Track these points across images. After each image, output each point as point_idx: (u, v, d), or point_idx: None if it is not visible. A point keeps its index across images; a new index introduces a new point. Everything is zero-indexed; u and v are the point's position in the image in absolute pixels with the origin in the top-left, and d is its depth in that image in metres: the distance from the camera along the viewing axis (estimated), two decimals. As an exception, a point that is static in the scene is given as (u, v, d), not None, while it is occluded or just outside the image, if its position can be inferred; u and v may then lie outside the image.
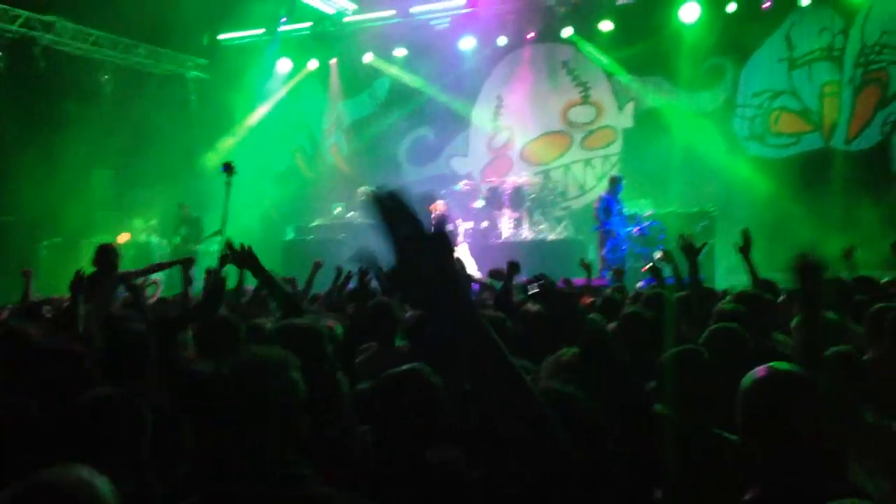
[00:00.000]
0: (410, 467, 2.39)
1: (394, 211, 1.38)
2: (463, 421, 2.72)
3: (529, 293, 3.88)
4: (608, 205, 12.19)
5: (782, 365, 1.96)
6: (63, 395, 2.69)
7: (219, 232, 11.93)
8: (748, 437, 1.91)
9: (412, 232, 1.37)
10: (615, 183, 12.44)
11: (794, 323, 3.79)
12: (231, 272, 5.10)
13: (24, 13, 13.90)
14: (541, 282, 3.73)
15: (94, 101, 15.01)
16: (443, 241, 1.39)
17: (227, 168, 6.56)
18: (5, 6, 13.63)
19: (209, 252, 12.61)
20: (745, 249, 5.99)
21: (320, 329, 2.59)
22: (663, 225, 12.56)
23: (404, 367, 2.60)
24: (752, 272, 6.09)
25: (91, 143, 14.09)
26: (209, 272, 8.51)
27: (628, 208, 12.70)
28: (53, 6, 14.13)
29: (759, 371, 1.94)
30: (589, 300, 6.09)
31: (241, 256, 4.66)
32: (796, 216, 12.86)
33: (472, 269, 11.96)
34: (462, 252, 12.89)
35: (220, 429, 1.96)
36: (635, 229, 12.58)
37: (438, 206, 13.95)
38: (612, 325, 4.32)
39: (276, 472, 1.88)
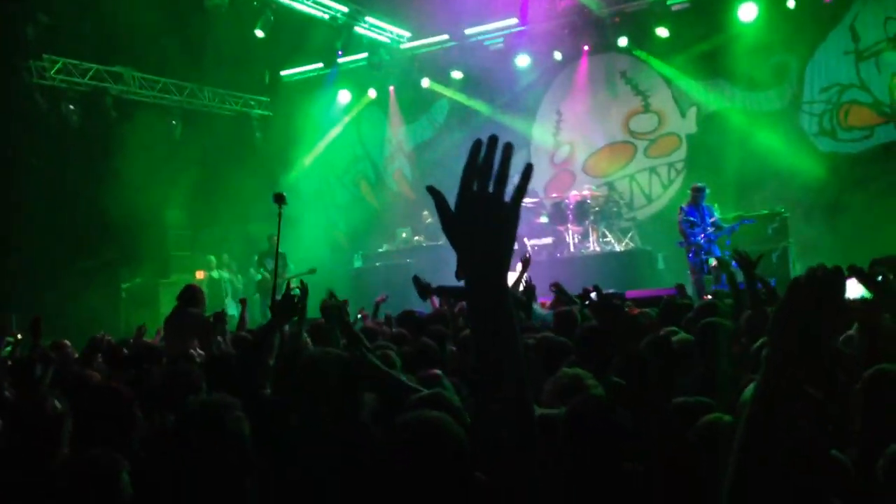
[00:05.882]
0: None
1: (486, 159, 1.37)
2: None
3: (586, 303, 3.80)
4: (688, 215, 11.72)
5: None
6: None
7: (312, 271, 12.17)
8: None
9: (492, 188, 1.36)
10: (696, 192, 11.89)
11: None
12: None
13: (94, 66, 14.51)
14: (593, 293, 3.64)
15: (164, 145, 15.48)
16: (515, 212, 1.38)
17: (278, 198, 6.65)
18: (75, 61, 14.25)
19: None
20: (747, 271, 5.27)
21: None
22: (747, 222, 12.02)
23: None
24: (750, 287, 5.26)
25: (163, 185, 14.54)
26: (243, 301, 8.85)
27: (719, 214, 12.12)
28: (120, 58, 14.71)
29: None
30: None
31: (327, 309, 4.80)
32: (875, 212, 12.32)
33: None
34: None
35: None
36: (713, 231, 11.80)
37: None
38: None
39: None
